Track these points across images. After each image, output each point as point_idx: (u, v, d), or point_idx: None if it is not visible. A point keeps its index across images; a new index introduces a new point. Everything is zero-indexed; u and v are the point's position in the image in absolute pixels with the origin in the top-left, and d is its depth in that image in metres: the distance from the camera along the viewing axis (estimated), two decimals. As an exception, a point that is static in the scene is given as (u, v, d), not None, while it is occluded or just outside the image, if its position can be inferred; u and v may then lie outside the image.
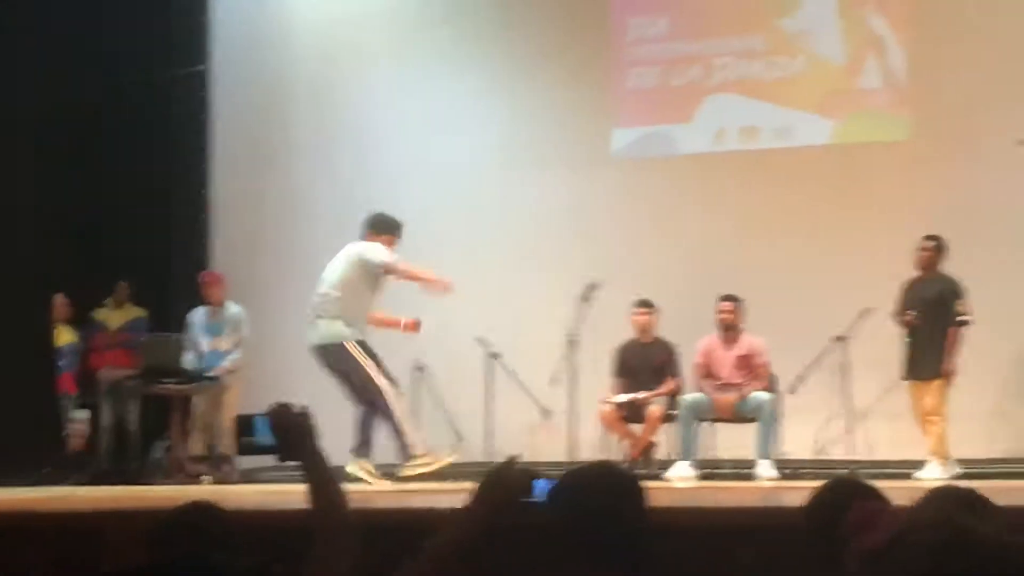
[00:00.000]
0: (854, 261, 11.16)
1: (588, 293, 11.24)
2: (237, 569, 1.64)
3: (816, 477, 9.54)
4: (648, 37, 12.28)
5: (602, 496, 2.86)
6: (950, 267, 10.08)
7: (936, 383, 9.89)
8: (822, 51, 11.78)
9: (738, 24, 12.01)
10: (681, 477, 10.18)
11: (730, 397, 10.48)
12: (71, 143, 12.38)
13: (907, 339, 9.93)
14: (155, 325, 12.37)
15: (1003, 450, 10.55)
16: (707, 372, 10.75)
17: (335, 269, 9.69)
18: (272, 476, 10.69)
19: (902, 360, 10.13)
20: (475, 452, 11.72)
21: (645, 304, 11.05)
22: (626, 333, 11.11)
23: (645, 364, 10.99)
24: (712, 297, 10.79)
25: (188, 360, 11.57)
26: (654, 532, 2.92)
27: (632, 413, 10.87)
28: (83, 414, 12.16)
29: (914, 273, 10.24)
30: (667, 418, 10.72)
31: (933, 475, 9.48)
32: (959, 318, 9.86)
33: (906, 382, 10.20)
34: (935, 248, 10.11)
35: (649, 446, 10.95)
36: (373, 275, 9.62)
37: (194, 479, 10.94)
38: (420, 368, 12.04)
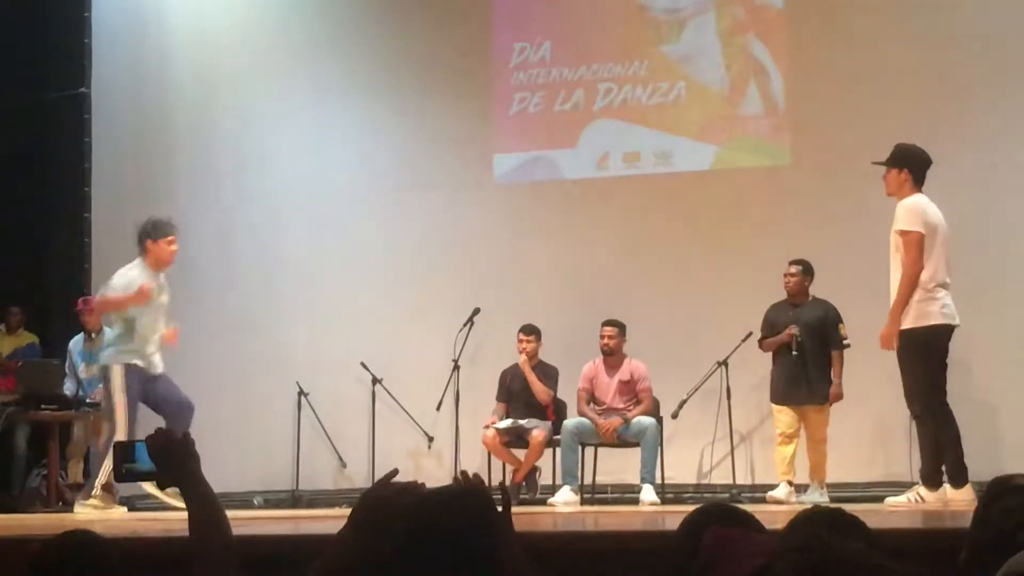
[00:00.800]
0: (737, 286, 11.26)
1: (472, 318, 11.28)
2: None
3: (698, 501, 9.65)
4: (532, 62, 12.34)
5: (453, 520, 2.83)
6: (827, 291, 10.21)
7: (826, 408, 9.98)
8: (704, 77, 11.90)
9: (621, 50, 12.09)
10: (565, 502, 10.21)
11: (613, 422, 10.53)
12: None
13: (793, 354, 9.98)
14: (48, 352, 12.23)
15: (880, 474, 10.69)
16: (590, 397, 10.81)
17: None
18: (152, 504, 10.56)
19: (778, 382, 10.15)
20: (359, 478, 11.70)
21: (531, 330, 11.08)
22: (510, 358, 11.14)
23: (527, 388, 11.01)
24: (596, 322, 10.86)
25: (68, 387, 11.43)
26: (512, 555, 2.90)
27: (515, 438, 10.89)
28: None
29: (780, 298, 10.35)
30: (550, 443, 10.76)
31: (816, 499, 9.55)
32: (844, 342, 9.98)
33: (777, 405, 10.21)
34: (802, 272, 10.25)
35: (532, 471, 10.98)
36: None
37: (71, 507, 10.77)
38: (303, 393, 11.98)
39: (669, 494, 10.55)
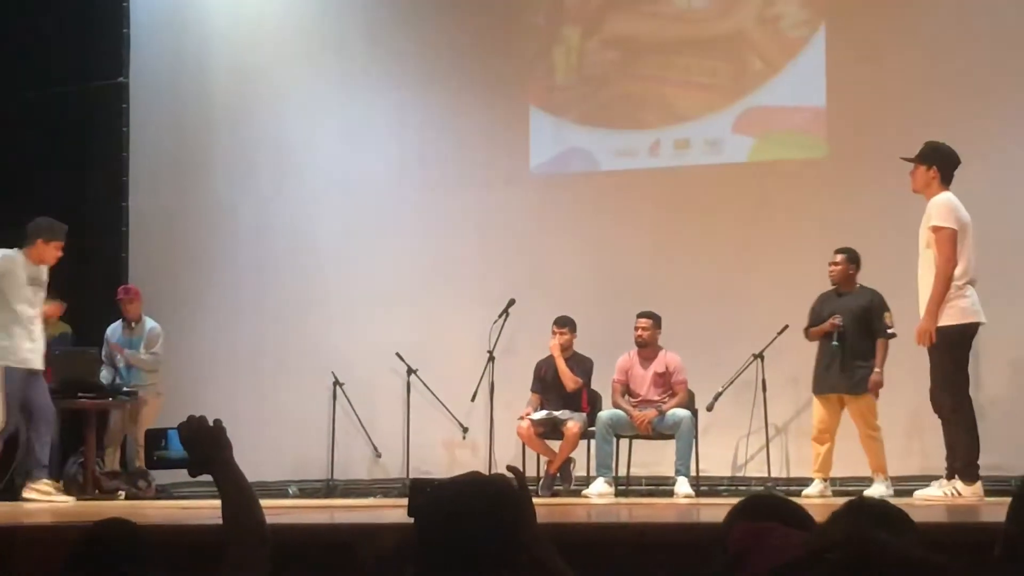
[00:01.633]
0: (774, 278, 11.24)
1: (507, 309, 11.29)
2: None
3: (733, 494, 9.64)
4: (571, 49, 12.31)
5: (470, 510, 2.82)
6: (867, 282, 10.16)
7: (867, 397, 9.88)
8: (742, 67, 11.85)
9: (663, 39, 12.07)
10: (599, 493, 10.21)
11: (648, 414, 10.52)
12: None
13: (834, 344, 9.91)
14: (79, 340, 12.27)
15: (917, 467, 10.64)
16: (625, 389, 10.80)
17: None
18: (188, 492, 10.62)
19: (817, 370, 10.08)
20: (394, 468, 11.73)
21: (564, 322, 11.07)
22: (544, 349, 11.13)
23: (562, 381, 11.00)
24: (631, 314, 10.84)
25: (105, 376, 11.49)
26: (530, 546, 2.89)
27: (549, 429, 10.89)
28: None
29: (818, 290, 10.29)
30: (585, 434, 10.75)
31: (880, 492, 9.39)
32: (889, 330, 9.89)
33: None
34: (847, 260, 10.16)
35: (567, 462, 10.98)
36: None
37: (109, 495, 10.83)
38: (339, 383, 12.00)
39: (703, 487, 10.53)
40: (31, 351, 9.75)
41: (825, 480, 9.85)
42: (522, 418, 10.85)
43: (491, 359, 11.20)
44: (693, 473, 10.37)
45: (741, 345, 10.84)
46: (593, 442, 10.64)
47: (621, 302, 11.18)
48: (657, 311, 10.82)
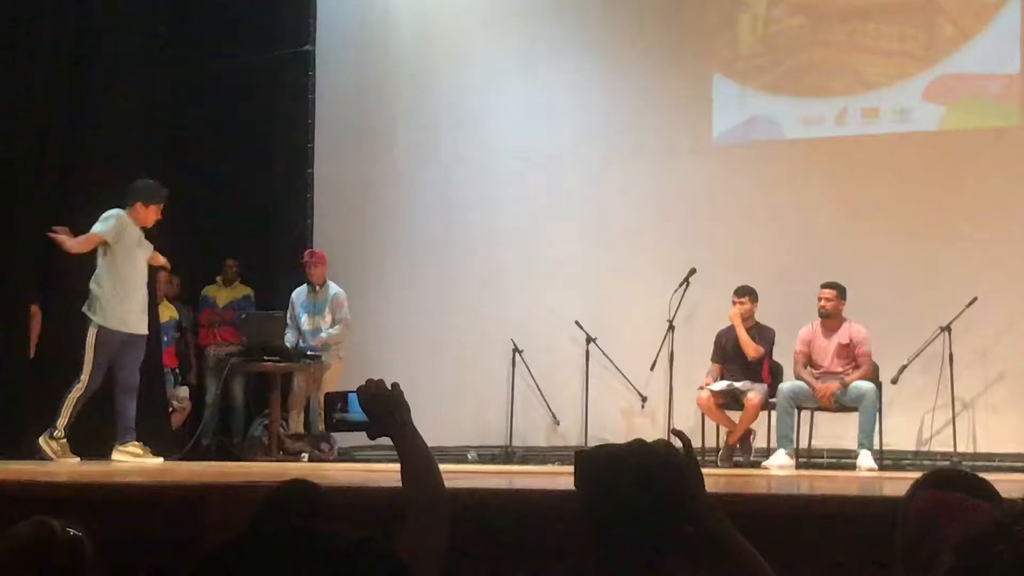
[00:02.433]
0: (961, 250, 11.00)
1: (687, 279, 11.21)
2: (341, 542, 1.64)
3: (917, 469, 9.47)
4: (758, 15, 12.14)
5: (631, 479, 2.79)
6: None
7: None
8: (935, 35, 11.59)
9: (851, 4, 11.85)
10: (779, 465, 10.12)
11: (831, 386, 10.38)
12: (178, 123, 12.52)
13: None
14: (261, 303, 12.50)
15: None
16: (807, 360, 10.67)
17: None
18: (369, 455, 10.77)
19: None
20: (572, 436, 11.75)
21: (743, 292, 10.97)
22: (725, 319, 11.04)
23: (742, 351, 10.91)
24: (814, 284, 10.70)
25: (289, 339, 11.68)
26: (698, 514, 2.85)
27: (730, 400, 10.81)
28: (183, 391, 12.34)
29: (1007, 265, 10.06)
30: (766, 406, 10.65)
31: None
32: None
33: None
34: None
35: (747, 434, 10.89)
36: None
37: (293, 456, 11.04)
38: (518, 351, 12.05)
39: (887, 460, 10.37)
40: (130, 313, 9.81)
41: None
42: (702, 388, 10.79)
43: (671, 328, 11.14)
44: (876, 447, 10.21)
45: (928, 317, 10.63)
46: (774, 413, 10.54)
47: (804, 272, 11.03)
48: (841, 282, 10.65)
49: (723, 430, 10.91)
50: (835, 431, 10.75)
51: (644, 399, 11.71)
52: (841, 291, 10.61)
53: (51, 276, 10.72)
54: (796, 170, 11.79)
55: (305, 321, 11.80)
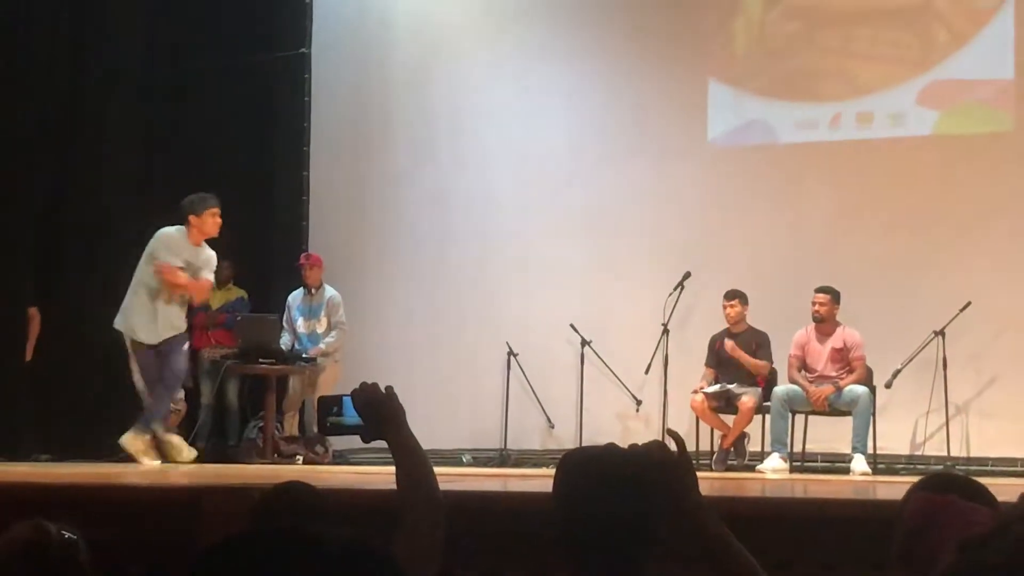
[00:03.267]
0: (955, 254, 11.02)
1: (682, 282, 11.23)
2: (336, 541, 1.66)
3: (911, 473, 9.49)
4: (753, 20, 12.15)
5: (614, 480, 2.79)
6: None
7: None
8: (929, 40, 11.61)
9: (846, 9, 11.87)
10: (773, 469, 10.14)
11: (825, 390, 10.40)
12: (173, 124, 12.53)
13: None
14: (255, 306, 12.50)
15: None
16: (802, 364, 10.69)
17: None
18: (364, 457, 10.77)
19: None
20: (567, 439, 11.75)
21: (733, 295, 10.99)
22: (720, 322, 11.07)
23: (736, 353, 10.93)
24: (809, 288, 10.72)
25: (284, 341, 11.68)
26: (691, 514, 2.85)
27: (724, 403, 10.83)
28: (179, 393, 12.33)
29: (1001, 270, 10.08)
30: (760, 409, 10.67)
31: None
32: None
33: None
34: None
35: (741, 437, 10.91)
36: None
37: (288, 459, 11.04)
38: (513, 353, 12.05)
39: (881, 464, 10.39)
40: (148, 328, 9.92)
41: None
42: (696, 391, 10.81)
43: (666, 332, 11.16)
44: (870, 451, 10.23)
45: (922, 322, 10.65)
46: (768, 417, 10.56)
47: (799, 276, 11.05)
48: (836, 286, 10.68)
49: (717, 433, 10.92)
50: (829, 435, 10.75)
51: (639, 402, 11.72)
52: (835, 295, 10.63)
53: (50, 279, 10.73)
54: (791, 174, 11.80)
55: (301, 324, 11.80)
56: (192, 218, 9.98)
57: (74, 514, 3.11)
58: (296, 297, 11.92)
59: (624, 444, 2.93)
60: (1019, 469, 10.02)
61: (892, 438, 10.83)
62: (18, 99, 10.68)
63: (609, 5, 12.51)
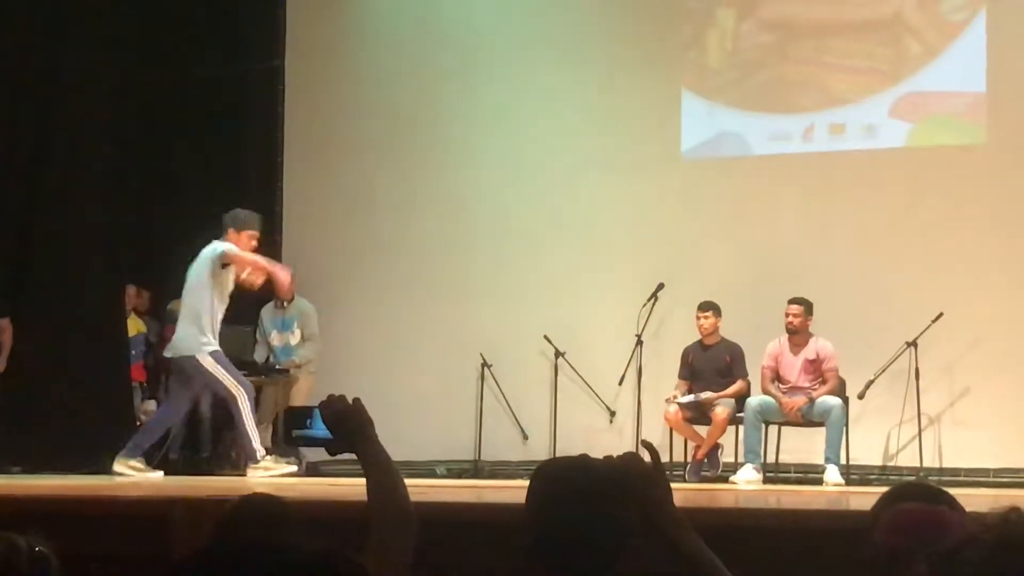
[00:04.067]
0: (927, 266, 11.06)
1: (656, 293, 11.24)
2: (306, 553, 1.65)
3: (884, 484, 9.50)
4: (726, 32, 12.18)
5: (586, 492, 2.78)
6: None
7: None
8: (901, 52, 11.65)
9: (819, 22, 11.90)
10: (747, 480, 10.15)
11: (798, 401, 10.42)
12: (146, 136, 12.50)
13: None
14: (229, 318, 12.45)
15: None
16: (775, 376, 10.71)
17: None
18: (337, 469, 10.74)
19: None
20: (541, 451, 11.75)
21: (707, 307, 11.01)
22: (693, 334, 11.08)
23: (710, 366, 10.96)
24: (782, 300, 10.74)
25: (258, 354, 11.66)
26: (666, 527, 2.85)
27: (697, 414, 10.84)
28: (150, 405, 12.29)
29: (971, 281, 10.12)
30: (733, 420, 10.68)
31: None
32: None
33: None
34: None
35: (715, 448, 10.91)
36: (216, 271, 9.80)
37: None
38: (487, 365, 12.05)
39: (854, 475, 10.40)
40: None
41: None
42: (669, 400, 10.81)
43: (639, 343, 11.17)
44: (843, 461, 10.25)
45: (894, 333, 10.68)
46: (741, 428, 10.57)
47: (772, 288, 11.07)
48: (809, 297, 10.70)
49: (691, 444, 10.93)
50: (802, 446, 10.77)
51: (612, 414, 11.73)
52: (808, 307, 10.66)
53: (22, 290, 10.68)
54: (764, 186, 11.82)
55: (274, 337, 11.79)
56: (232, 232, 9.95)
57: (45, 527, 3.09)
58: (269, 310, 11.91)
59: (598, 455, 2.92)
60: (991, 480, 10.05)
61: (865, 449, 10.85)
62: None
63: (583, 16, 12.52)
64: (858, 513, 4.48)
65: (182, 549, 4.74)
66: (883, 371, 10.58)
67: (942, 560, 2.01)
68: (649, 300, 11.28)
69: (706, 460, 10.87)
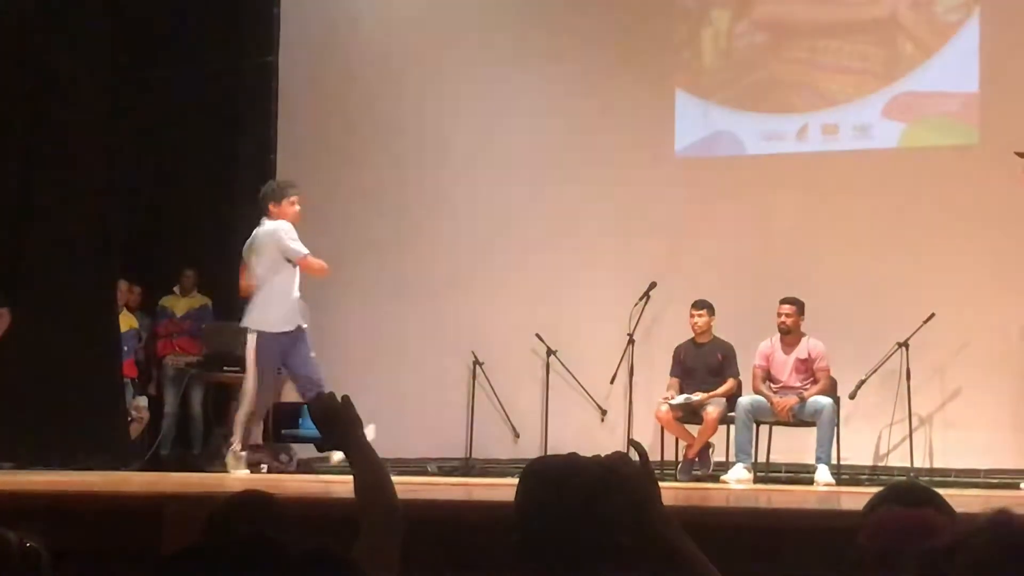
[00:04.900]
0: (919, 266, 11.06)
1: (648, 292, 11.24)
2: (296, 549, 1.65)
3: (874, 484, 9.52)
4: (720, 31, 12.19)
5: (574, 492, 2.78)
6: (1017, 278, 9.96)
7: None
8: (895, 53, 11.66)
9: (813, 22, 11.91)
10: (737, 479, 10.16)
11: (789, 400, 10.43)
12: (139, 132, 12.49)
13: None
14: (220, 314, 12.45)
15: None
16: (766, 375, 10.71)
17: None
18: (330, 466, 10.74)
19: None
20: (532, 449, 11.74)
21: (701, 305, 11.01)
22: (685, 333, 11.08)
23: (701, 364, 10.97)
24: (774, 300, 10.75)
25: (249, 349, 11.64)
26: (655, 526, 2.85)
27: (689, 414, 10.84)
28: (142, 401, 12.29)
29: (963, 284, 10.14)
30: (725, 420, 10.69)
31: None
32: None
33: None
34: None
35: (706, 447, 10.92)
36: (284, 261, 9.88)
37: (252, 468, 10.99)
38: (478, 363, 12.05)
39: (844, 475, 10.41)
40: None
41: None
42: (661, 402, 10.81)
43: (631, 342, 11.17)
44: (834, 461, 10.26)
45: (886, 333, 10.69)
46: (732, 427, 10.58)
47: (764, 287, 11.08)
48: (800, 297, 10.71)
49: (682, 443, 10.93)
50: (793, 445, 10.78)
51: (604, 412, 11.73)
52: (800, 306, 10.67)
53: (14, 283, 10.66)
54: (757, 186, 11.82)
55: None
56: (273, 207, 9.94)
57: (36, 522, 3.09)
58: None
59: (589, 454, 2.92)
60: (982, 480, 10.06)
61: (856, 449, 10.86)
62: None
63: (577, 15, 12.51)
64: (848, 513, 4.49)
65: (173, 545, 4.74)
66: (874, 371, 10.59)
67: (931, 562, 2.02)
68: (641, 299, 11.28)
69: (697, 459, 10.88)
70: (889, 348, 10.61)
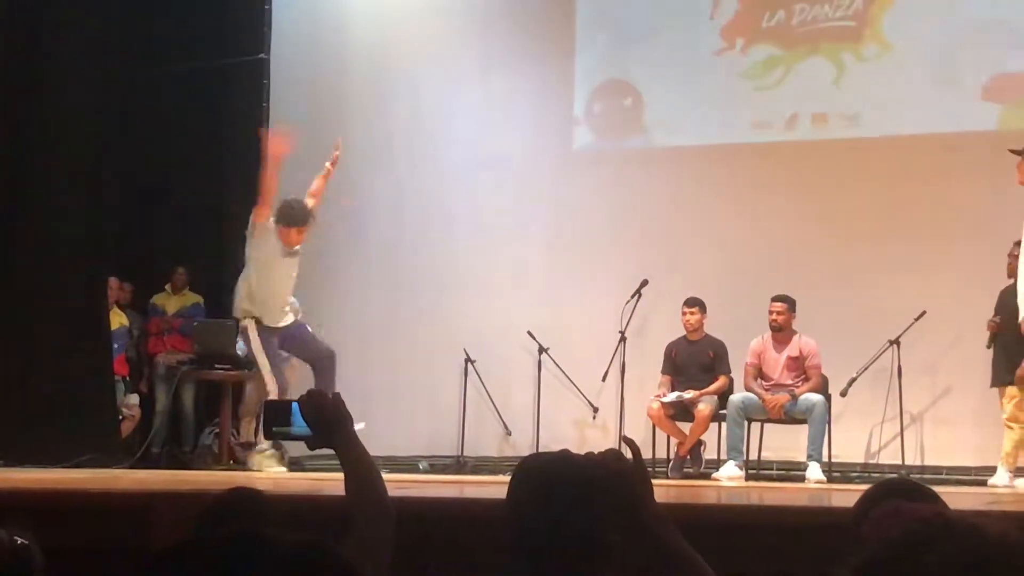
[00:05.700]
0: (909, 264, 11.06)
1: (640, 290, 11.24)
2: (288, 544, 1.65)
3: (866, 481, 9.52)
4: (725, 11, 12.18)
5: (565, 489, 2.78)
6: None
7: (1010, 389, 9.58)
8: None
9: None
10: (729, 476, 10.16)
11: (781, 398, 10.43)
12: (130, 129, 12.46)
13: (987, 346, 9.81)
14: (211, 311, 12.44)
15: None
16: (758, 372, 10.72)
17: None
18: (320, 464, 10.73)
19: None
20: (524, 446, 11.75)
21: (693, 302, 11.02)
22: (677, 330, 11.08)
23: (693, 362, 10.97)
24: (765, 297, 10.75)
25: (240, 347, 11.62)
26: (647, 523, 2.84)
27: (680, 411, 10.85)
28: (133, 399, 12.28)
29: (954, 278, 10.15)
30: (716, 417, 10.69)
31: (999, 481, 9.33)
32: None
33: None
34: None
35: (697, 445, 10.93)
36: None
37: (243, 465, 10.99)
38: (470, 360, 12.04)
39: (836, 472, 10.42)
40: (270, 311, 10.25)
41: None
42: (653, 399, 10.82)
43: (623, 339, 11.17)
44: (825, 459, 10.26)
45: (877, 331, 10.70)
46: (724, 425, 10.58)
47: (755, 284, 11.09)
48: (792, 294, 10.71)
49: (674, 441, 10.94)
50: (785, 443, 10.79)
51: (596, 410, 11.73)
52: (791, 304, 10.67)
53: (9, 274, 10.63)
54: (748, 178, 11.82)
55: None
56: (280, 226, 10.46)
57: (27, 519, 3.08)
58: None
59: (581, 451, 2.92)
60: (973, 478, 10.07)
61: (847, 446, 10.87)
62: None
63: (568, 10, 12.52)
64: (840, 510, 4.49)
65: (164, 543, 4.74)
66: (866, 369, 10.60)
67: (909, 546, 2.00)
68: (633, 296, 11.28)
69: (689, 457, 10.88)
70: (881, 346, 10.62)
